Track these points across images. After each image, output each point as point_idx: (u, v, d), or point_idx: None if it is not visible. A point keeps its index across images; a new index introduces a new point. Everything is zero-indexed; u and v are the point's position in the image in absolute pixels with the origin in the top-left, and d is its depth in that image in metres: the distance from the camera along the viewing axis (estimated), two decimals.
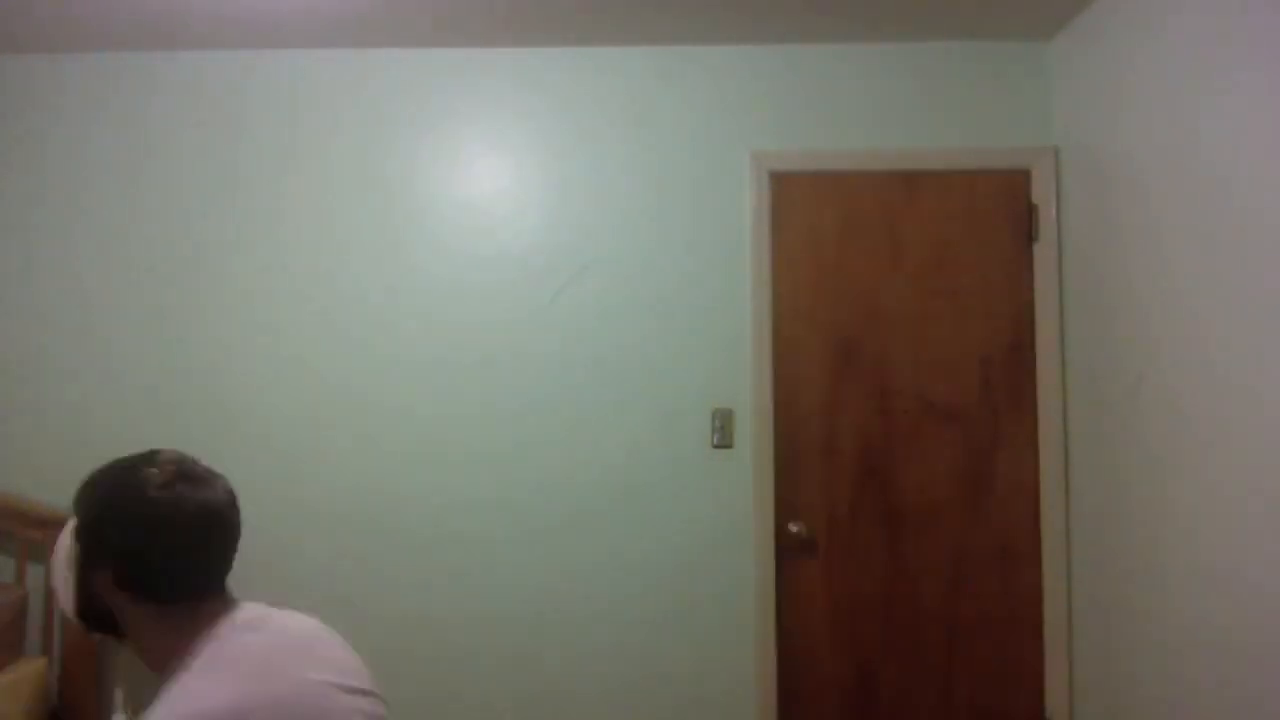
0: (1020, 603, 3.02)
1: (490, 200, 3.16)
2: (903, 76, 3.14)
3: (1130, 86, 2.61)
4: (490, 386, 3.12)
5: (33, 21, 2.94)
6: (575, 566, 3.09)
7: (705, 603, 3.06)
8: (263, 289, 3.14)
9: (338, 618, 3.10)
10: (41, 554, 3.01)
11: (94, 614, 1.37)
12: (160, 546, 1.31)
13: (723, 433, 3.08)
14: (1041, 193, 3.06)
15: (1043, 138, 3.09)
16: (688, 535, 3.08)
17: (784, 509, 3.07)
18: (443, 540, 3.10)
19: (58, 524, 2.92)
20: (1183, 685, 2.33)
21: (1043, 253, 3.05)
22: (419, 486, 3.11)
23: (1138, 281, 2.54)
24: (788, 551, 3.06)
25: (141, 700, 3.04)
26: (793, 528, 3.05)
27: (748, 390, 3.09)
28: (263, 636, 1.34)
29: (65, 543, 1.38)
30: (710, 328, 3.11)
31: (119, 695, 2.78)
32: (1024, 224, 3.08)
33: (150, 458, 1.37)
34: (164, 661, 1.33)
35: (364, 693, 1.38)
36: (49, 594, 2.98)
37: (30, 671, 2.86)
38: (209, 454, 3.10)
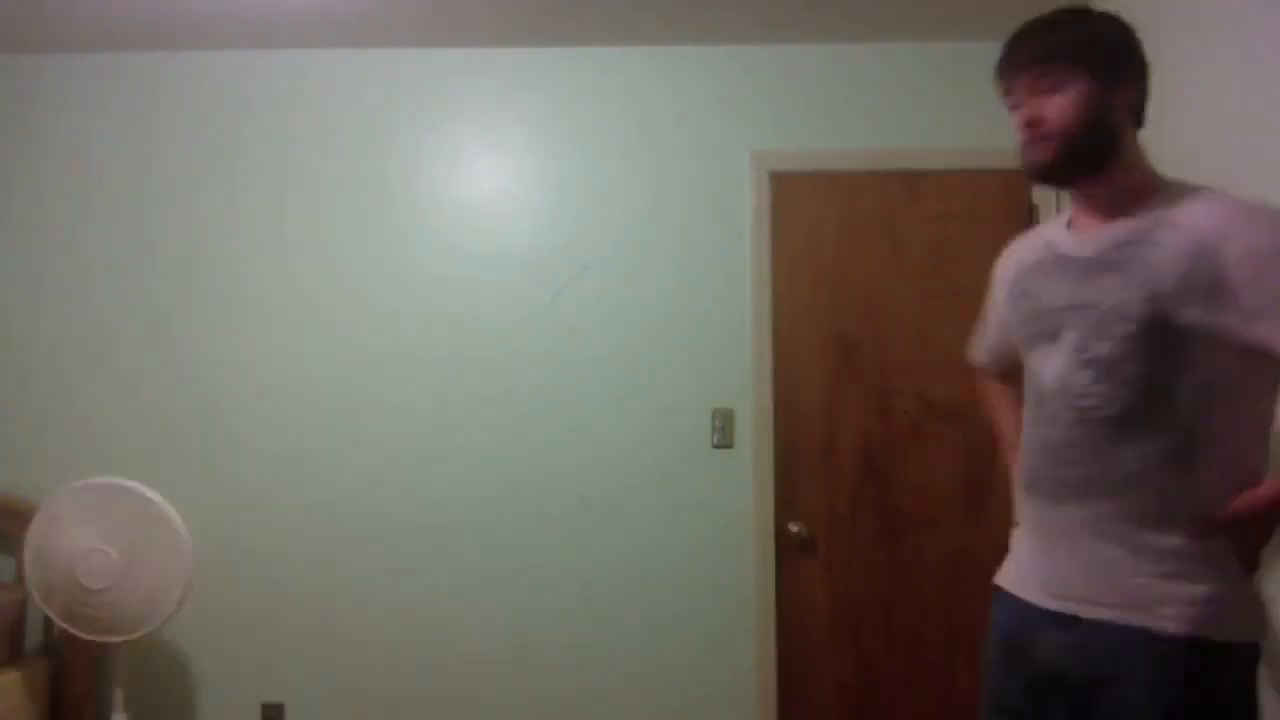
0: None
1: (490, 200, 3.15)
2: (903, 76, 3.14)
3: None
4: (490, 386, 3.12)
5: (33, 21, 2.94)
6: (575, 566, 3.08)
7: (705, 603, 3.06)
8: (263, 288, 3.14)
9: (338, 615, 3.12)
10: None
11: (1094, 134, 1.49)
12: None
13: (723, 433, 3.08)
14: (1041, 193, 3.06)
15: None
16: (687, 535, 3.08)
17: (784, 509, 3.06)
18: (443, 539, 3.10)
19: None
20: None
21: None
22: (419, 486, 3.11)
23: None
24: (788, 551, 3.06)
25: (141, 700, 3.05)
26: (793, 528, 3.05)
27: (748, 390, 3.08)
28: None
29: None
30: (710, 327, 3.11)
31: (119, 695, 2.78)
32: (1024, 224, 3.08)
33: None
34: (1133, 191, 1.50)
35: None
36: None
37: (30, 671, 2.86)
38: (209, 453, 3.11)
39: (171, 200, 3.17)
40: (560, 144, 3.16)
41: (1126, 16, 1.57)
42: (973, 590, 3.03)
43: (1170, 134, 2.23)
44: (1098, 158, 1.50)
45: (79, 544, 2.61)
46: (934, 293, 3.07)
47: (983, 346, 1.89)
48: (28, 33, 3.02)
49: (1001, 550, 1.77)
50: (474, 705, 3.07)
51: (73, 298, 3.15)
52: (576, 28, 3.04)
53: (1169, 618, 1.40)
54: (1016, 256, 1.73)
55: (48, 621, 3.00)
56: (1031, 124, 1.55)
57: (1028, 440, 1.59)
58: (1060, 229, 1.63)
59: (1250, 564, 1.46)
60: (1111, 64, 1.50)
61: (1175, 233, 1.42)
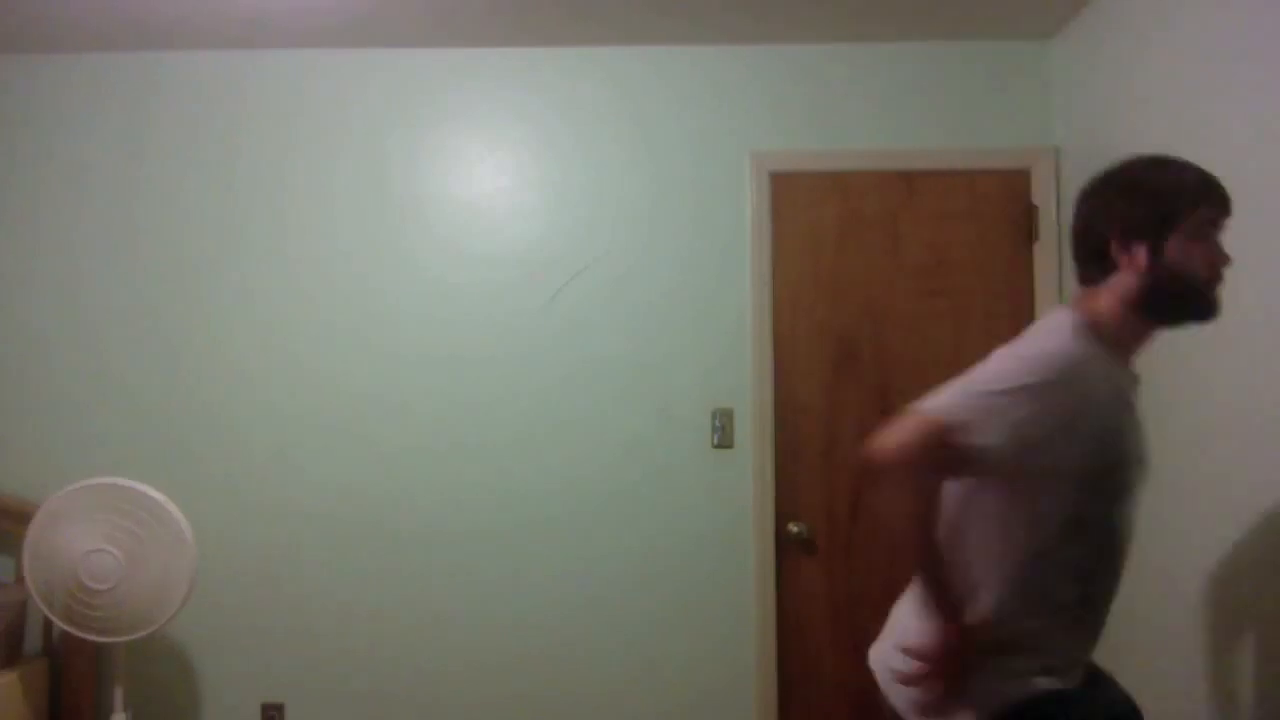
0: None
1: (490, 200, 3.16)
2: (903, 76, 3.14)
3: (1130, 86, 2.61)
4: (490, 386, 3.12)
5: (33, 21, 2.94)
6: (576, 566, 3.09)
7: (705, 602, 3.06)
8: (261, 288, 3.14)
9: (338, 615, 3.12)
10: None
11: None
12: None
13: (723, 433, 3.08)
14: (1041, 193, 3.06)
15: (1043, 138, 3.09)
16: (688, 535, 3.08)
17: (784, 509, 3.07)
18: (443, 539, 3.10)
19: None
20: (1175, 681, 2.33)
21: (1043, 253, 3.05)
22: (419, 485, 3.11)
23: None
24: (788, 551, 3.06)
25: (141, 700, 3.05)
26: (793, 528, 3.05)
27: (748, 390, 3.09)
28: None
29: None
30: (710, 327, 3.11)
31: (119, 695, 2.78)
32: (1024, 224, 3.08)
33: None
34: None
35: None
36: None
37: (30, 671, 2.86)
38: (208, 453, 3.11)
39: (171, 201, 3.17)
40: (560, 144, 3.16)
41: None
42: None
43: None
44: None
45: (79, 544, 2.61)
46: (934, 293, 3.08)
47: (1005, 432, 1.48)
48: (26, 33, 3.02)
49: None
50: (474, 705, 3.07)
51: (71, 298, 3.15)
52: (576, 28, 3.04)
53: None
54: (1097, 383, 1.52)
55: (48, 621, 3.01)
56: (1227, 265, 1.56)
57: (1094, 587, 1.60)
58: (1117, 368, 1.58)
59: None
60: None
61: None
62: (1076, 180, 2.93)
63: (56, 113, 3.18)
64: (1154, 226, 1.52)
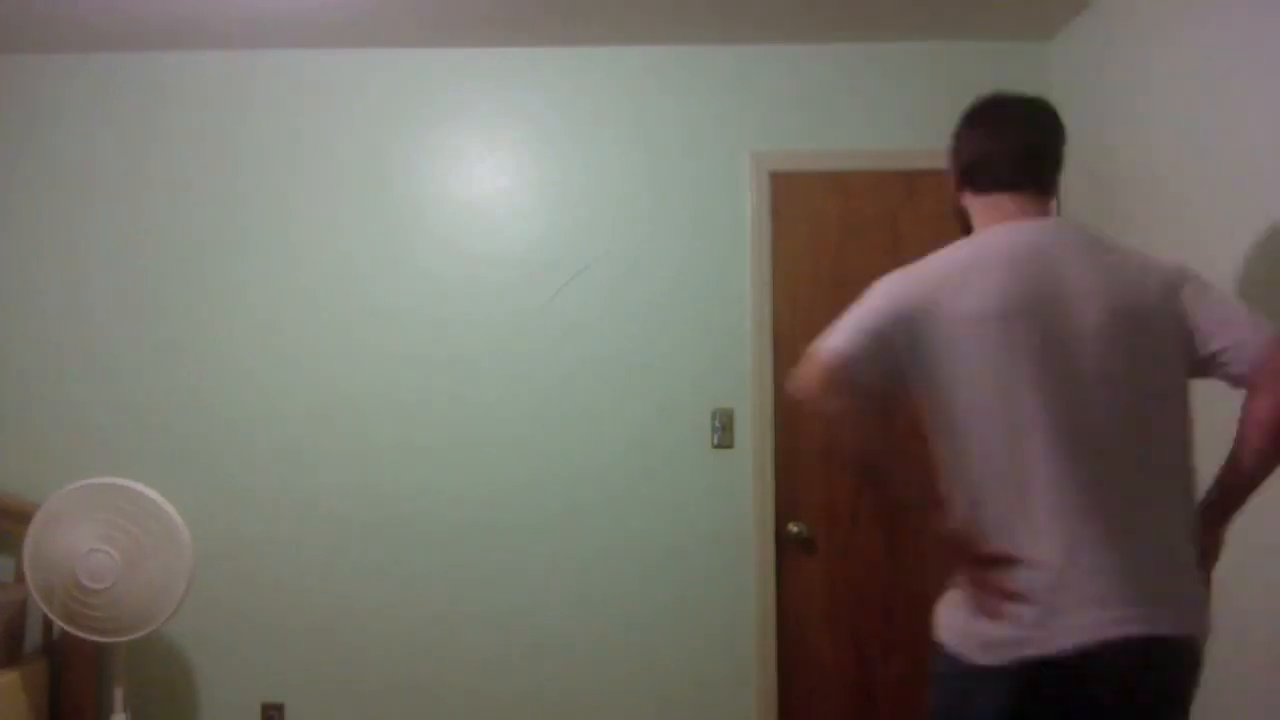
0: None
1: (490, 200, 3.16)
2: (903, 76, 3.14)
3: (1131, 86, 2.61)
4: (491, 386, 3.12)
5: (34, 22, 2.94)
6: (576, 566, 3.09)
7: (705, 603, 3.06)
8: (264, 288, 3.15)
9: (338, 615, 3.11)
10: None
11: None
12: None
13: (723, 433, 3.08)
14: None
15: None
16: (688, 535, 3.08)
17: (784, 509, 3.07)
18: (444, 539, 3.10)
19: None
20: None
21: None
22: (419, 486, 3.11)
23: None
24: (788, 551, 3.06)
25: (141, 700, 3.05)
26: (793, 527, 3.05)
27: (748, 390, 3.09)
28: None
29: None
30: (710, 328, 3.11)
31: (119, 695, 2.78)
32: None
33: None
34: None
35: None
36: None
37: (30, 671, 2.86)
38: (209, 453, 3.11)
39: (172, 201, 3.17)
40: (560, 144, 3.16)
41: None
42: None
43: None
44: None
45: (79, 544, 2.61)
46: None
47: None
48: (30, 33, 3.02)
49: None
50: (474, 704, 3.07)
51: (72, 297, 3.15)
52: (576, 28, 3.04)
53: None
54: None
55: (48, 621, 3.00)
56: None
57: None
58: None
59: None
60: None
61: None
62: (1077, 180, 2.93)
63: (59, 112, 3.18)
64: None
